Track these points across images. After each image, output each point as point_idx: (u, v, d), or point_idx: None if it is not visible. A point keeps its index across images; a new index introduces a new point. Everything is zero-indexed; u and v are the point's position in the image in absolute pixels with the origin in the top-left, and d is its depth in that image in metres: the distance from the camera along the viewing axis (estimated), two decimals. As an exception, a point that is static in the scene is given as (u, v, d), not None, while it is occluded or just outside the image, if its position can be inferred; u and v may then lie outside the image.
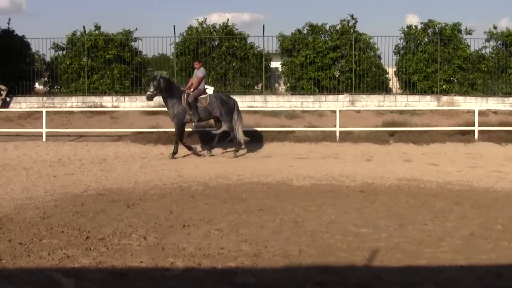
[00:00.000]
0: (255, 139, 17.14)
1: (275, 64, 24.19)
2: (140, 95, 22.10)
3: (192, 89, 15.11)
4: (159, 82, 14.64)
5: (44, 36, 28.47)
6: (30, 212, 8.74)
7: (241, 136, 15.33)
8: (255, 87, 23.76)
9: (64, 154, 15.50)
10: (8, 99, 21.66)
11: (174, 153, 14.96)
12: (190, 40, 23.28)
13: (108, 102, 21.82)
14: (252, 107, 21.27)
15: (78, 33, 23.32)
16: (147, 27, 78.93)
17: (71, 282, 5.74)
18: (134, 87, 22.90)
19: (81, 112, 20.23)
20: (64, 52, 23.38)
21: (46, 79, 24.19)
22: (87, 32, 22.94)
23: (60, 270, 6.11)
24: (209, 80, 22.83)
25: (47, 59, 23.67)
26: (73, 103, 21.75)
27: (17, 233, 7.51)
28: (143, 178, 11.98)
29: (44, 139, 17.58)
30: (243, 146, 15.69)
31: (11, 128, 18.41)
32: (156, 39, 25.16)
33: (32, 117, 19.81)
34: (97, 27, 23.52)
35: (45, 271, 6.08)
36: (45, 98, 21.98)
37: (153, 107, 20.98)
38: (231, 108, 15.35)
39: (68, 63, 22.51)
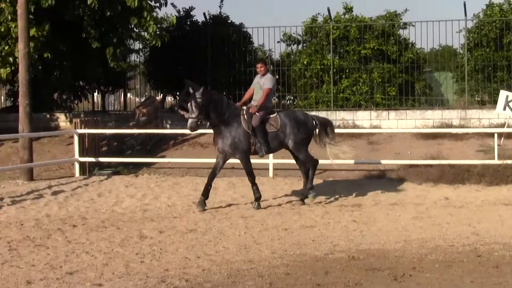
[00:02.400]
0: None
1: None
2: (413, 109, 21.91)
3: (256, 106, 14.52)
4: (201, 98, 14.03)
5: (266, 24, 29.71)
6: (250, 282, 8.89)
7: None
8: None
9: (299, 195, 15.70)
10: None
11: (257, 199, 14.61)
12: (490, 24, 22.59)
13: (364, 119, 22.10)
14: None
15: (321, 19, 24.05)
16: (419, 8, 79.23)
17: None
18: (403, 97, 22.82)
19: (324, 134, 20.58)
20: (300, 46, 24.22)
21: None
22: (333, 16, 23.56)
23: None
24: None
25: (275, 57, 24.75)
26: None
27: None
28: (418, 236, 11.74)
29: (270, 173, 18.18)
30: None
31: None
32: (437, 25, 24.59)
33: (253, 141, 20.74)
34: (348, 9, 24.14)
35: None
36: (272, 114, 22.91)
37: (433, 127, 20.54)
38: (309, 133, 15.07)
39: (305, 62, 23.26)
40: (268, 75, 14.85)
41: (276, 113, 14.88)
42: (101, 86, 26.58)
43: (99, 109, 27.60)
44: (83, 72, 23.22)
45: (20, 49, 18.36)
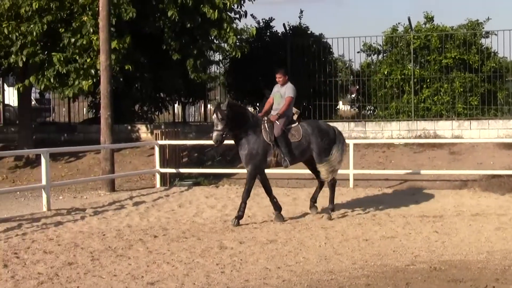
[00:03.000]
0: None
1: None
2: (495, 119, 21.60)
3: (277, 115, 14.15)
4: (227, 111, 13.70)
5: (346, 34, 29.59)
6: (331, 292, 8.92)
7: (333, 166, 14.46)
8: None
9: (380, 206, 15.68)
10: (300, 124, 23.05)
11: (239, 217, 13.99)
12: None
13: (445, 129, 21.87)
14: None
15: (401, 28, 23.95)
16: (502, 16, 77.78)
17: None
18: (485, 107, 22.50)
19: (405, 144, 20.48)
20: (381, 56, 24.11)
21: (354, 96, 25.22)
22: (413, 26, 23.42)
23: None
24: None
25: (356, 67, 24.67)
26: (393, 131, 22.23)
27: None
28: (501, 247, 11.57)
29: (351, 184, 18.13)
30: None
31: (304, 168, 19.29)
32: (520, 33, 24.25)
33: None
34: (429, 18, 24.00)
35: None
36: (352, 124, 22.84)
37: (516, 136, 20.32)
38: (331, 143, 14.53)
39: (386, 72, 23.15)
40: (289, 84, 14.53)
41: (297, 123, 14.56)
42: (181, 98, 26.89)
43: (180, 120, 27.92)
44: (163, 84, 23.52)
45: (102, 61, 18.73)
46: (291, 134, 14.26)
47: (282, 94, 14.46)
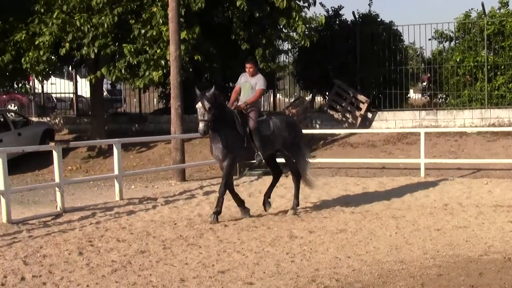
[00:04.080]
0: None
1: None
2: None
3: (245, 104, 13.74)
4: (213, 99, 13.06)
5: (417, 21, 29.08)
6: (402, 282, 8.89)
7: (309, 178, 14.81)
8: None
9: (452, 196, 15.59)
10: (370, 115, 23.04)
11: (217, 212, 13.51)
12: None
13: (521, 118, 21.45)
14: None
15: (474, 14, 23.64)
16: None
17: None
18: (563, 94, 22.10)
19: (478, 133, 20.27)
20: (453, 43, 23.82)
21: (425, 84, 24.98)
22: (487, 11, 23.06)
23: None
24: None
25: (427, 55, 24.42)
26: (465, 119, 22.00)
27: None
28: None
29: (422, 173, 17.96)
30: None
31: (374, 158, 19.50)
32: None
33: (404, 140, 20.69)
34: (504, 3, 23.61)
35: None
36: (423, 112, 22.67)
37: None
38: (300, 136, 14.61)
39: (458, 59, 22.87)
40: (260, 76, 14.12)
41: (265, 116, 14.33)
42: (251, 87, 26.99)
43: (249, 110, 28.01)
44: (232, 74, 23.63)
45: (172, 52, 18.95)
46: (263, 128, 13.91)
47: (252, 85, 14.06)
